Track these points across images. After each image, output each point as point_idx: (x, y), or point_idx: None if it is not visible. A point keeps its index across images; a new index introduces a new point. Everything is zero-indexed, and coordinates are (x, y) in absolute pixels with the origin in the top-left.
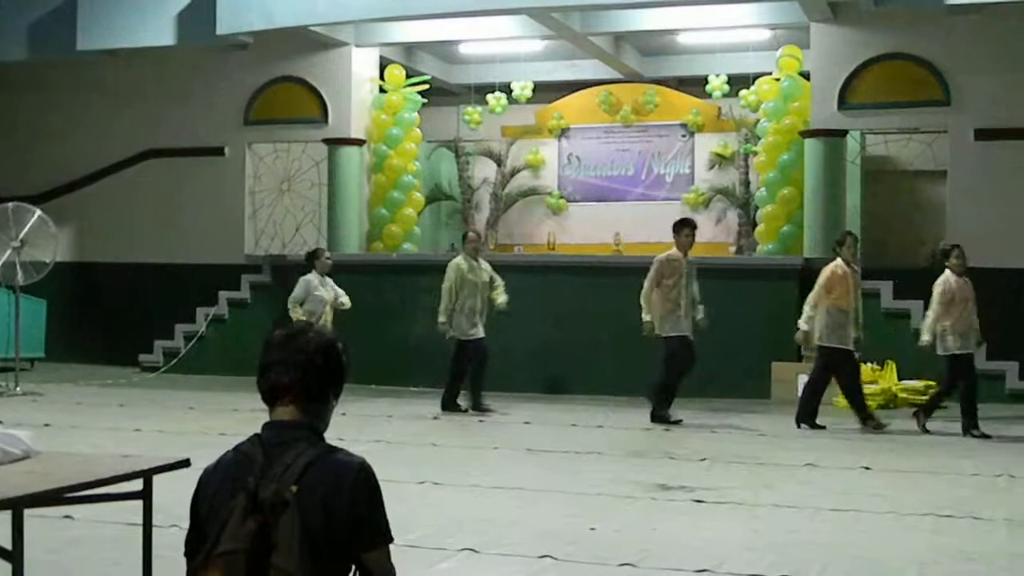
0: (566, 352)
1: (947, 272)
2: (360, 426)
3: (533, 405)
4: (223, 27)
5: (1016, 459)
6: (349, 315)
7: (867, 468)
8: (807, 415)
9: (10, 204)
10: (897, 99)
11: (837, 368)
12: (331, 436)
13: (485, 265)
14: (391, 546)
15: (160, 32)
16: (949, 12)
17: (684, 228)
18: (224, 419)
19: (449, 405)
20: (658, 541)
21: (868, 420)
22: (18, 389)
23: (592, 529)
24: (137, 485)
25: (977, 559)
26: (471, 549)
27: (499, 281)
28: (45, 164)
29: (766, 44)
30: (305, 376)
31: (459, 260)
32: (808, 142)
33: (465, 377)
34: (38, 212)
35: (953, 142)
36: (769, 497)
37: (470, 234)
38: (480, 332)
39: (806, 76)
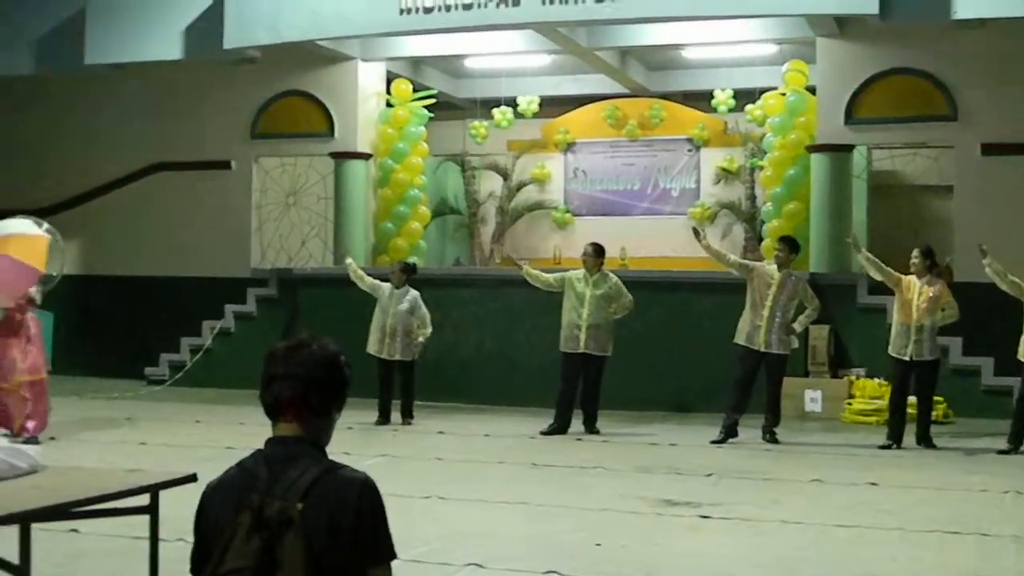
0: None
1: None
2: (365, 440)
3: (535, 420)
4: (230, 41)
5: None
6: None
7: (874, 484)
8: None
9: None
10: (903, 114)
11: None
12: (336, 451)
13: (411, 295)
14: (395, 562)
15: (168, 46)
16: (956, 27)
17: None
18: (230, 433)
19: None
20: (664, 557)
21: None
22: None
23: (598, 545)
24: (143, 500)
25: None
26: (477, 564)
27: (424, 315)
28: (53, 178)
29: (772, 59)
30: (307, 391)
31: (386, 284)
32: (814, 157)
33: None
34: (46, 225)
35: (959, 157)
36: (776, 513)
37: (395, 265)
38: (387, 353)
39: (812, 91)
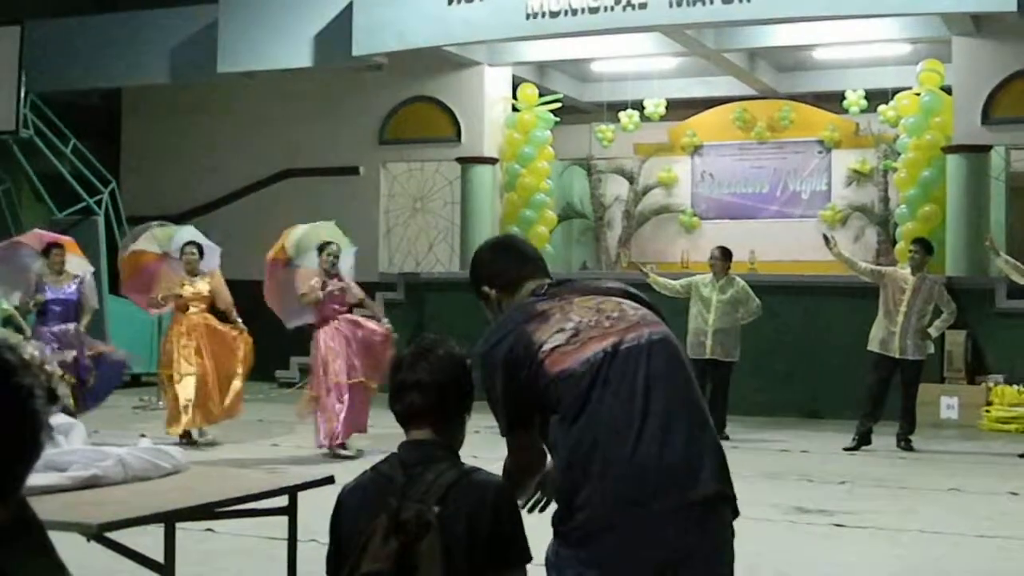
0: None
1: None
2: (492, 444)
3: None
4: (359, 48)
5: None
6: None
7: (1014, 494)
8: None
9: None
10: None
11: None
12: (464, 454)
13: None
14: (529, 565)
15: (297, 54)
16: None
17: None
18: (360, 436)
19: None
20: (797, 565)
21: None
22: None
23: None
24: (282, 501)
25: None
26: None
27: None
28: (185, 185)
29: (906, 58)
30: (437, 397)
31: None
32: (950, 158)
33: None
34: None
35: None
36: (912, 522)
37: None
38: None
39: (948, 90)
